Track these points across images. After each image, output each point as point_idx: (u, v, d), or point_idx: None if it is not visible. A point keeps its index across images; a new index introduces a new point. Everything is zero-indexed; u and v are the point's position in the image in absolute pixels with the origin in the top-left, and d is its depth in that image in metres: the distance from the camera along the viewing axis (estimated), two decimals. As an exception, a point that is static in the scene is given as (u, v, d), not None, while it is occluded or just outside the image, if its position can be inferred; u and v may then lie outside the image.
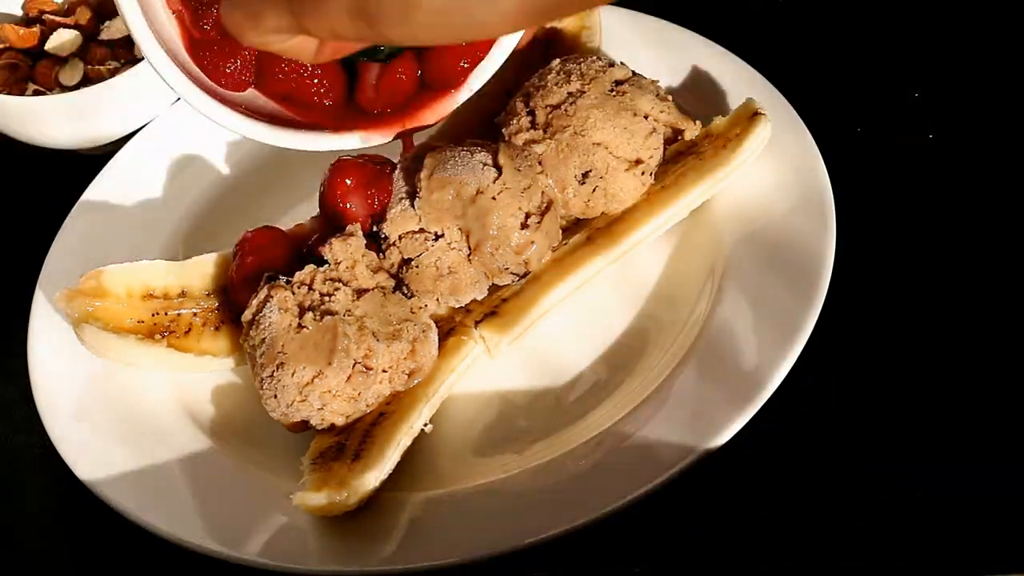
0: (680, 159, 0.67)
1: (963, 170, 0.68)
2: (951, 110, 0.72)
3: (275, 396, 0.58)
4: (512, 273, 0.62)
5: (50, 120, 0.74)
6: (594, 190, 0.64)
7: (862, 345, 0.60)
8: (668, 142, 0.67)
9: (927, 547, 0.52)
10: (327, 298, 0.59)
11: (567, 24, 0.74)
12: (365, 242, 0.62)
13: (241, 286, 0.63)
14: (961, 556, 0.52)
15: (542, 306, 0.62)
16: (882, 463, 0.55)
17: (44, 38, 0.79)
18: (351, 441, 0.57)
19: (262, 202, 0.74)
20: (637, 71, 0.67)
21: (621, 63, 0.67)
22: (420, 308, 0.62)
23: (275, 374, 0.58)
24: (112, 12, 0.81)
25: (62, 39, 0.79)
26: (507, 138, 0.66)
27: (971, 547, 0.52)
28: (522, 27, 0.35)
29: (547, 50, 0.72)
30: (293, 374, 0.57)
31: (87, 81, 0.77)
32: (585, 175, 0.64)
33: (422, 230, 0.62)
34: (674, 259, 0.67)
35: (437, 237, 0.62)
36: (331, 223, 0.63)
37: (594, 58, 0.67)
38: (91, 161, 0.77)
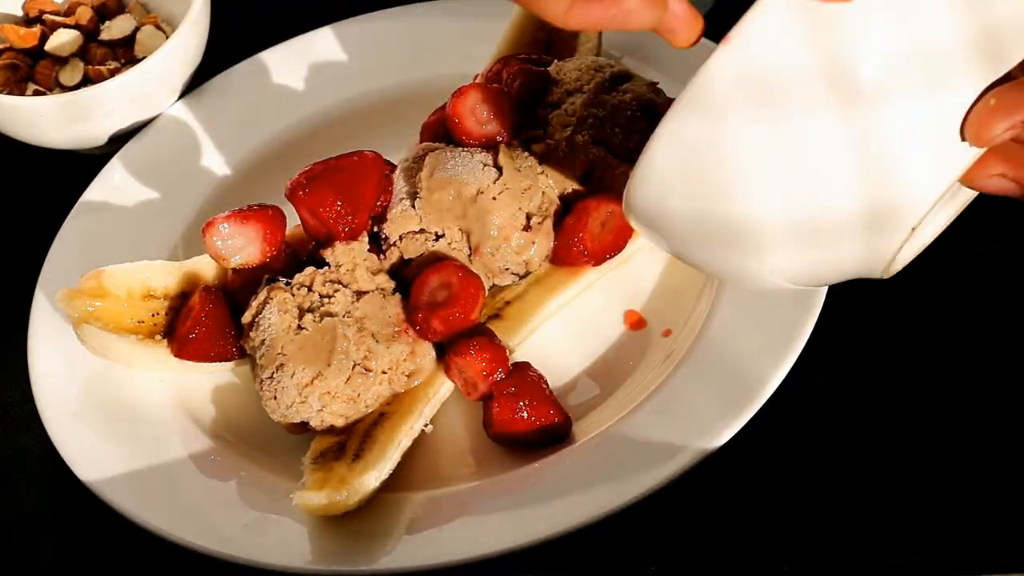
0: (680, 159, 0.67)
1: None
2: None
3: (275, 397, 0.58)
4: (513, 273, 0.63)
5: (50, 120, 0.74)
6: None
7: (861, 345, 0.60)
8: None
9: (927, 547, 0.52)
10: (327, 299, 0.59)
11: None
12: (368, 247, 0.62)
13: (241, 287, 0.63)
14: (961, 556, 0.52)
15: (546, 310, 0.62)
16: (882, 463, 0.55)
17: (44, 38, 0.79)
18: (352, 441, 0.57)
19: (263, 202, 0.74)
20: (635, 71, 0.67)
21: (619, 62, 0.67)
22: (420, 308, 0.62)
23: (275, 375, 0.58)
24: (112, 12, 0.81)
25: (62, 39, 0.78)
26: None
27: (971, 547, 0.52)
28: None
29: (546, 51, 0.72)
30: (293, 375, 0.57)
31: (87, 81, 0.77)
32: (586, 175, 0.64)
33: (423, 230, 0.62)
34: (674, 260, 0.66)
35: (438, 237, 0.62)
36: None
37: (592, 58, 0.67)
38: (91, 161, 0.76)
